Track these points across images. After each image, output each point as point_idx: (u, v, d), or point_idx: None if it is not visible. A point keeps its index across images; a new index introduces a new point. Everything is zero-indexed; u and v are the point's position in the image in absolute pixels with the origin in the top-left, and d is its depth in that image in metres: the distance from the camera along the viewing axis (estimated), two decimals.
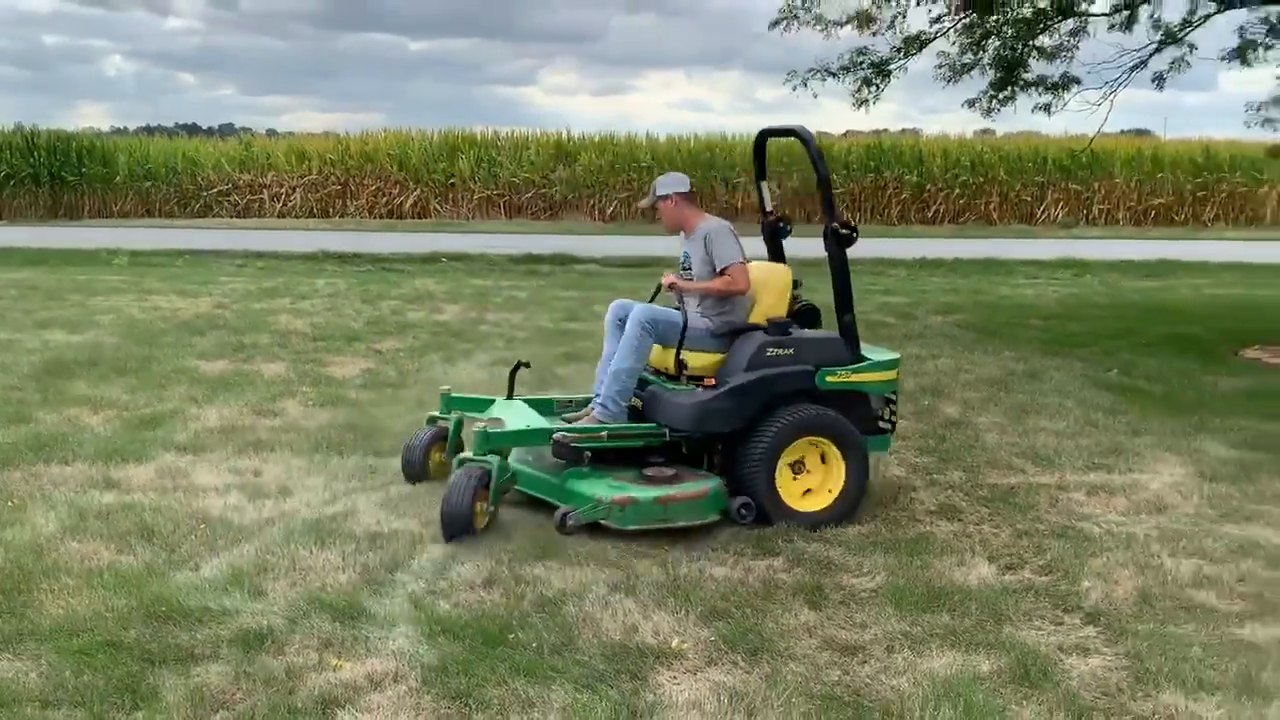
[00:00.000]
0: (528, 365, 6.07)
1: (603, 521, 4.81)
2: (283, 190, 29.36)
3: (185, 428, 6.58)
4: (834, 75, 11.07)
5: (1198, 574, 4.50)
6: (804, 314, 5.65)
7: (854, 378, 5.28)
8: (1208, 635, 3.95)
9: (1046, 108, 11.65)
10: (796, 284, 5.65)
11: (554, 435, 5.10)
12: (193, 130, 38.09)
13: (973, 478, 5.86)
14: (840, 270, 5.41)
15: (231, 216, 28.74)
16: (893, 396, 5.55)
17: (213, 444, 6.23)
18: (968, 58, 11.14)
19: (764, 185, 6.19)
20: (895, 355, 5.55)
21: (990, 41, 11.14)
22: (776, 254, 6.01)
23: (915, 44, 11.08)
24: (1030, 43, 11.20)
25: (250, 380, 7.98)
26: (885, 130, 33.35)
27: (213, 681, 3.48)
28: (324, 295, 13.16)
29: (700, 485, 5.01)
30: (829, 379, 5.23)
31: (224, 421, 6.75)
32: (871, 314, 12.14)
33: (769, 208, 6.09)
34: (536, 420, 5.36)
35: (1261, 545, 4.86)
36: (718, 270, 5.47)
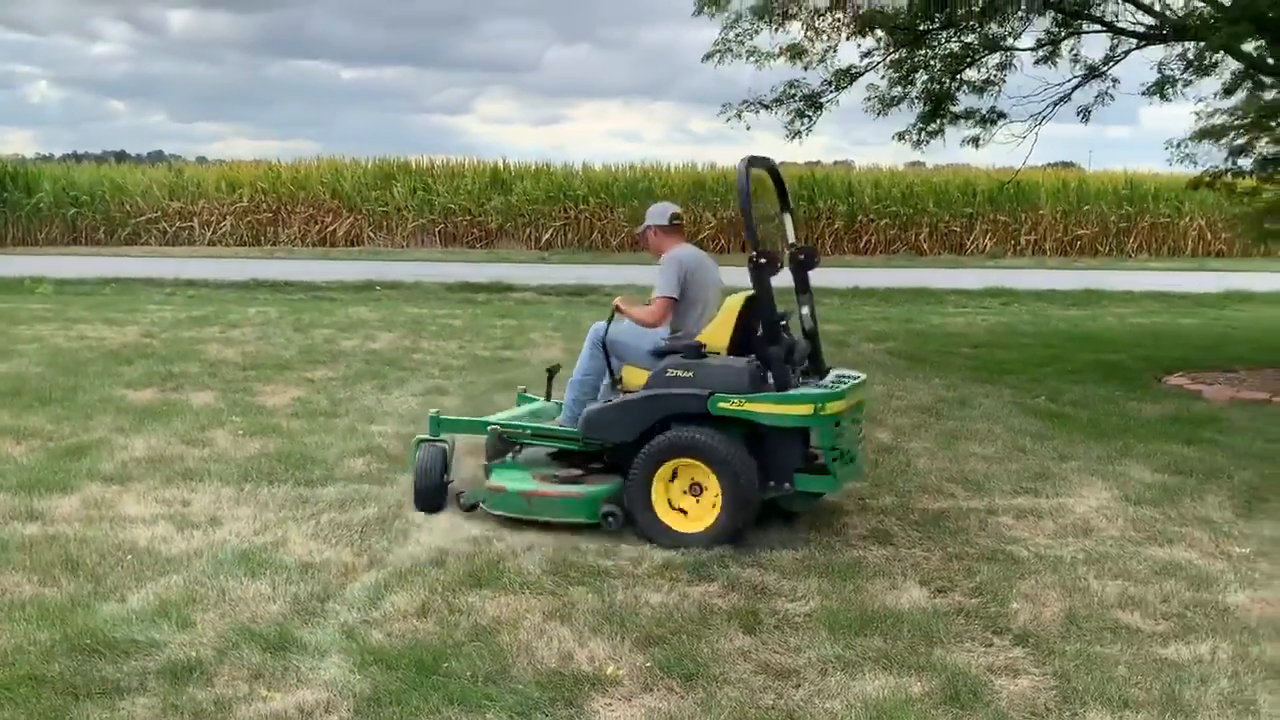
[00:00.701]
0: (559, 369, 6.61)
1: (482, 505, 5.44)
2: (213, 218, 29.00)
3: (112, 457, 6.46)
4: (767, 107, 11.21)
5: (1123, 595, 4.60)
6: (786, 346, 5.44)
7: (747, 406, 5.13)
8: (1132, 655, 4.03)
9: (975, 140, 11.90)
10: (784, 316, 5.54)
11: (489, 427, 5.80)
12: (121, 157, 37.43)
13: (904, 502, 5.94)
14: (764, 300, 5.38)
15: (160, 244, 28.32)
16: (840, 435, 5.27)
17: (140, 474, 6.12)
18: (897, 91, 11.35)
19: (787, 217, 6.12)
20: (816, 391, 5.27)
21: (919, 75, 11.37)
22: (802, 285, 5.89)
23: (846, 77, 11.27)
24: (958, 76, 11.45)
25: (179, 409, 7.85)
26: (818, 162, 33.79)
27: (139, 715, 3.42)
28: (255, 324, 13.01)
29: (578, 489, 5.40)
30: (720, 405, 5.16)
31: (151, 451, 6.64)
32: None
33: (791, 239, 6.06)
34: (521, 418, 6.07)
35: (1183, 567, 4.98)
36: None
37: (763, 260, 5.32)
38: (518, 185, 29.22)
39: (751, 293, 5.51)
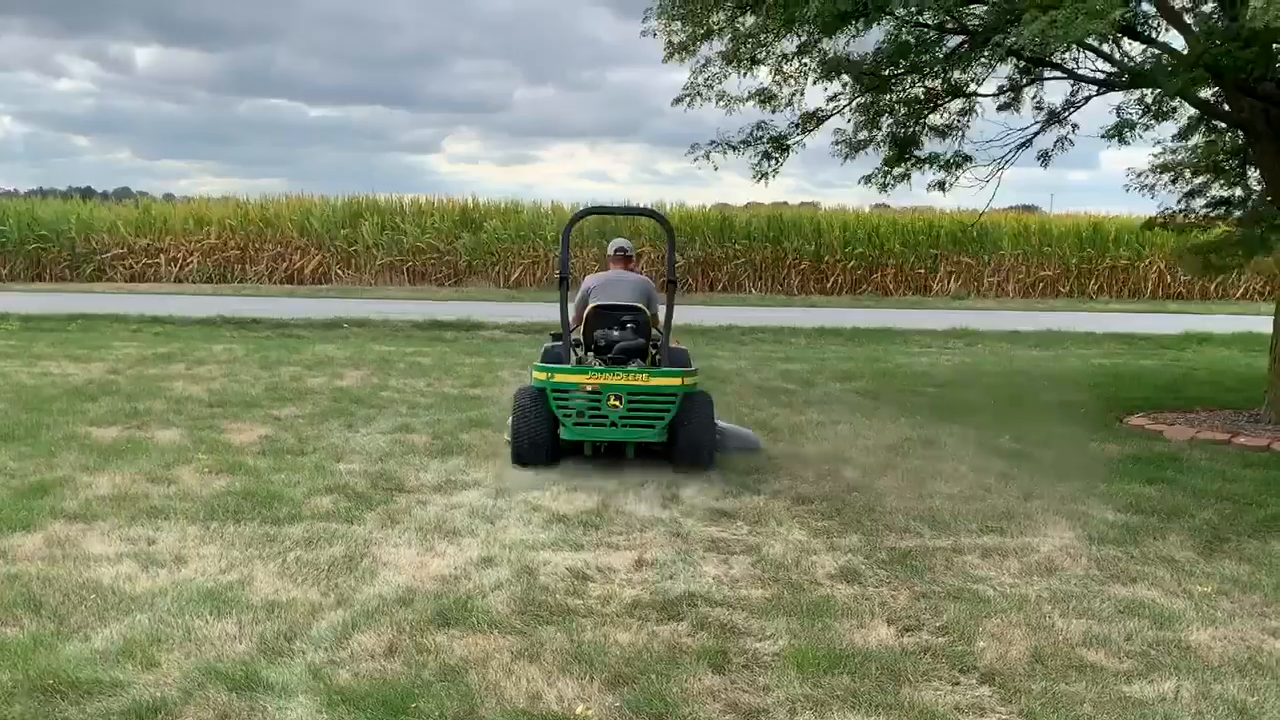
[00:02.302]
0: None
1: None
2: (180, 255, 28.85)
3: (76, 495, 6.39)
4: (734, 149, 11.28)
5: (1087, 633, 4.64)
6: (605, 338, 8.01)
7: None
8: (1097, 693, 4.06)
9: (941, 185, 12.02)
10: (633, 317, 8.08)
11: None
12: (87, 194, 37.14)
13: (872, 541, 5.96)
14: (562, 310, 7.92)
15: (126, 281, 28.12)
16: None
17: (104, 512, 6.06)
18: (863, 135, 11.46)
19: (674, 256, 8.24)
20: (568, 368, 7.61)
21: (884, 119, 11.50)
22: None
23: (812, 120, 11.37)
24: (922, 121, 11.58)
25: (144, 447, 7.78)
26: (785, 203, 34.12)
27: None
28: (221, 361, 12.93)
29: None
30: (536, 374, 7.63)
31: (116, 489, 6.57)
32: (773, 381, 12.33)
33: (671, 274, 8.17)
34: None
35: (1146, 605, 5.02)
36: None
37: (561, 278, 7.87)
38: (487, 224, 29.28)
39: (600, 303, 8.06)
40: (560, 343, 7.99)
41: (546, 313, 14.93)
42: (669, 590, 5.01)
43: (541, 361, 7.84)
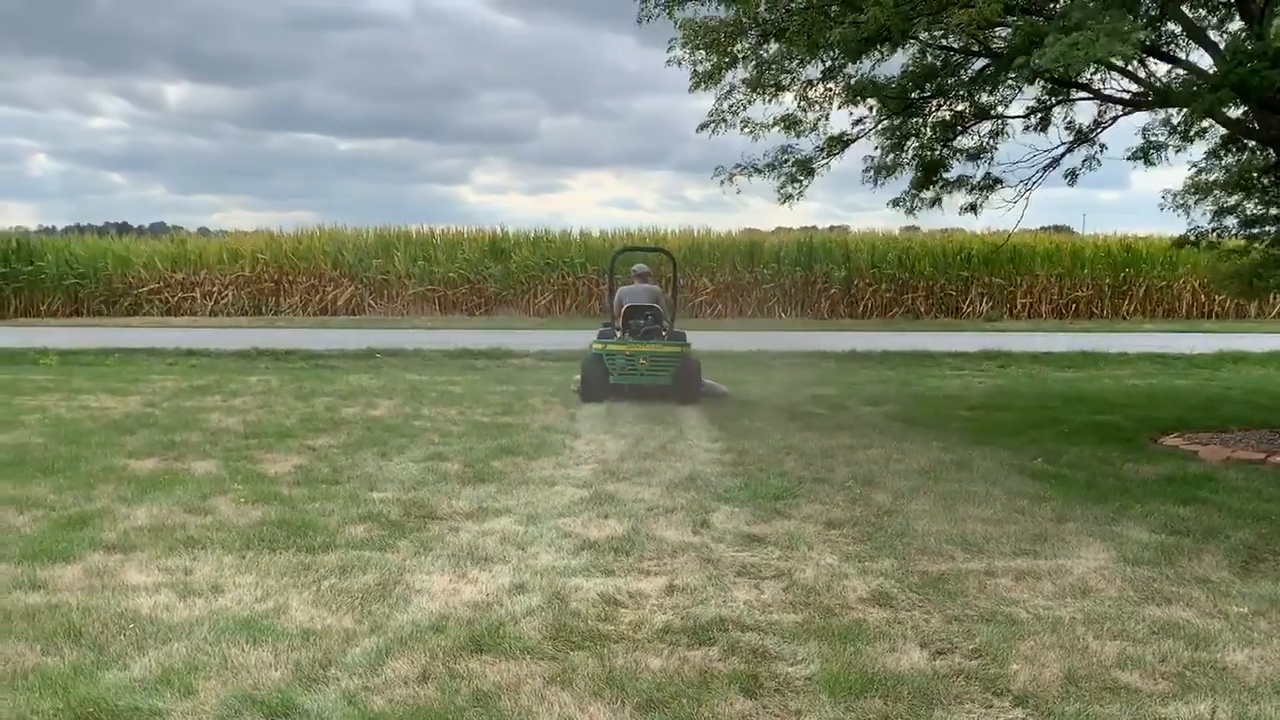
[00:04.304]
0: None
1: None
2: (215, 288, 29.22)
3: (114, 526, 6.48)
4: (759, 172, 11.33)
5: (1122, 655, 4.61)
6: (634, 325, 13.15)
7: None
8: (1132, 715, 4.03)
9: (973, 207, 12.02)
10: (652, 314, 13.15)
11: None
12: (123, 229, 37.77)
13: (904, 565, 5.94)
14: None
15: (162, 315, 28.48)
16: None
17: (142, 543, 6.14)
18: (890, 159, 11.48)
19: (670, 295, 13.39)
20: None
21: (910, 143, 11.52)
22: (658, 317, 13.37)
23: (838, 144, 11.41)
24: (950, 144, 11.60)
25: (180, 478, 7.88)
26: (814, 227, 34.13)
27: None
28: (256, 392, 13.07)
29: None
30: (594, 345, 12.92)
31: (153, 520, 6.66)
32: (804, 405, 12.32)
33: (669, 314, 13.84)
34: None
35: (1181, 626, 4.98)
36: None
37: (610, 290, 14.04)
38: (516, 253, 29.49)
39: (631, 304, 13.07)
40: (609, 328, 13.34)
41: (577, 340, 15.17)
42: (700, 615, 5.02)
43: (599, 339, 12.97)
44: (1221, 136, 11.27)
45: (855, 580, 5.66)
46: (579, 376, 12.93)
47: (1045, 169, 11.53)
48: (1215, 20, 10.63)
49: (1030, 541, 6.41)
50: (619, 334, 13.05)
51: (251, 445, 9.33)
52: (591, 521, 6.74)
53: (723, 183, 11.57)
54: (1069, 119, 11.62)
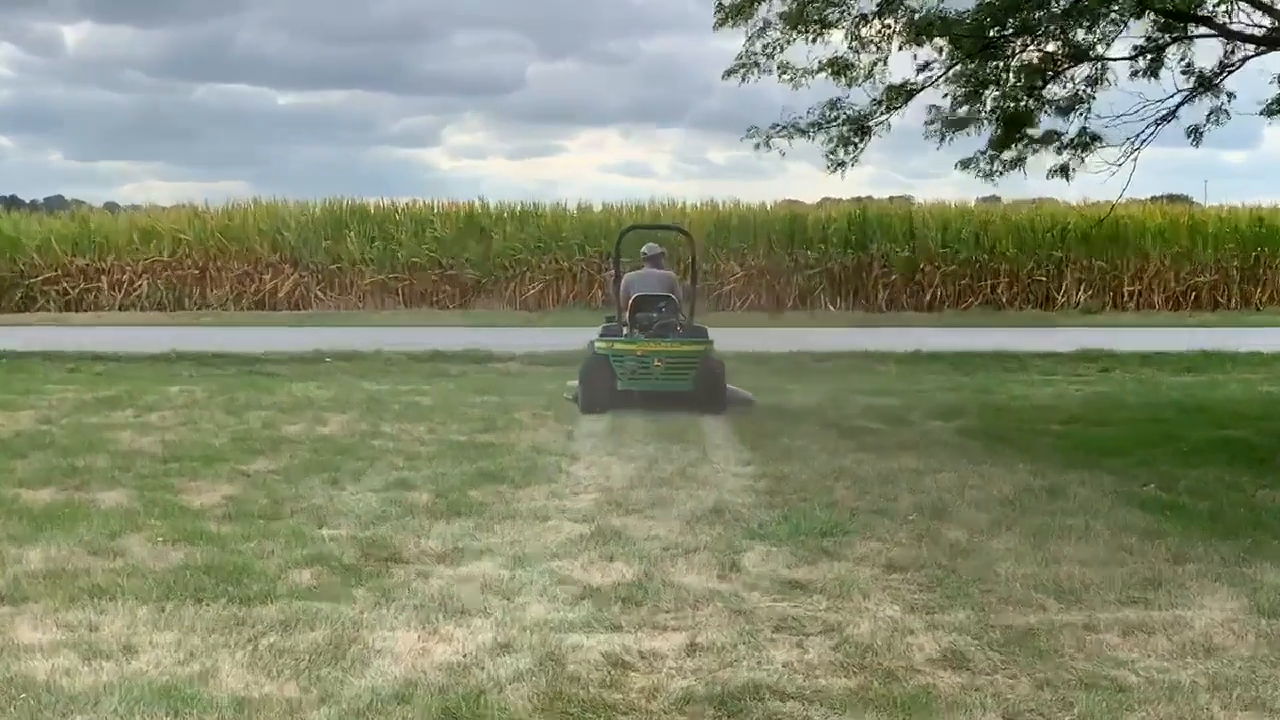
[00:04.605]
0: None
1: None
2: (125, 277, 29.27)
3: (2, 572, 6.49)
4: (803, 133, 11.32)
5: None
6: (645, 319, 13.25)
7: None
8: None
9: (1064, 170, 11.98)
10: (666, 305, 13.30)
11: None
12: (11, 204, 37.76)
13: (983, 617, 5.93)
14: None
15: (60, 310, 28.56)
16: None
17: (37, 592, 6.15)
18: (963, 111, 11.46)
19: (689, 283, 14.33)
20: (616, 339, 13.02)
21: (989, 91, 11.49)
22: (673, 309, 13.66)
23: (899, 95, 11.40)
24: (1037, 92, 11.57)
25: (84, 512, 7.90)
26: (869, 197, 33.97)
27: None
28: (177, 405, 13.11)
29: None
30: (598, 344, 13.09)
31: (51, 564, 6.67)
32: (856, 419, 12.32)
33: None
34: None
35: None
36: None
37: (617, 276, 14.12)
38: (498, 232, 29.49)
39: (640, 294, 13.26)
40: (613, 323, 13.47)
41: (574, 339, 15.12)
42: (729, 681, 5.02)
43: (602, 336, 13.07)
44: None
45: (922, 636, 5.65)
46: (577, 383, 12.93)
47: (1157, 124, 11.50)
48: None
49: (1141, 587, 6.39)
50: (626, 330, 13.08)
51: (171, 471, 9.35)
52: (594, 564, 6.74)
53: (757, 146, 11.57)
54: (1186, 60, 11.59)
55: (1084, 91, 11.71)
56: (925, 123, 11.75)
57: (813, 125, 11.32)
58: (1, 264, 29.00)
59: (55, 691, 4.85)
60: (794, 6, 10.56)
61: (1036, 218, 30.45)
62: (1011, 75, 11.46)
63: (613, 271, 14.60)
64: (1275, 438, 11.15)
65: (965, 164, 11.94)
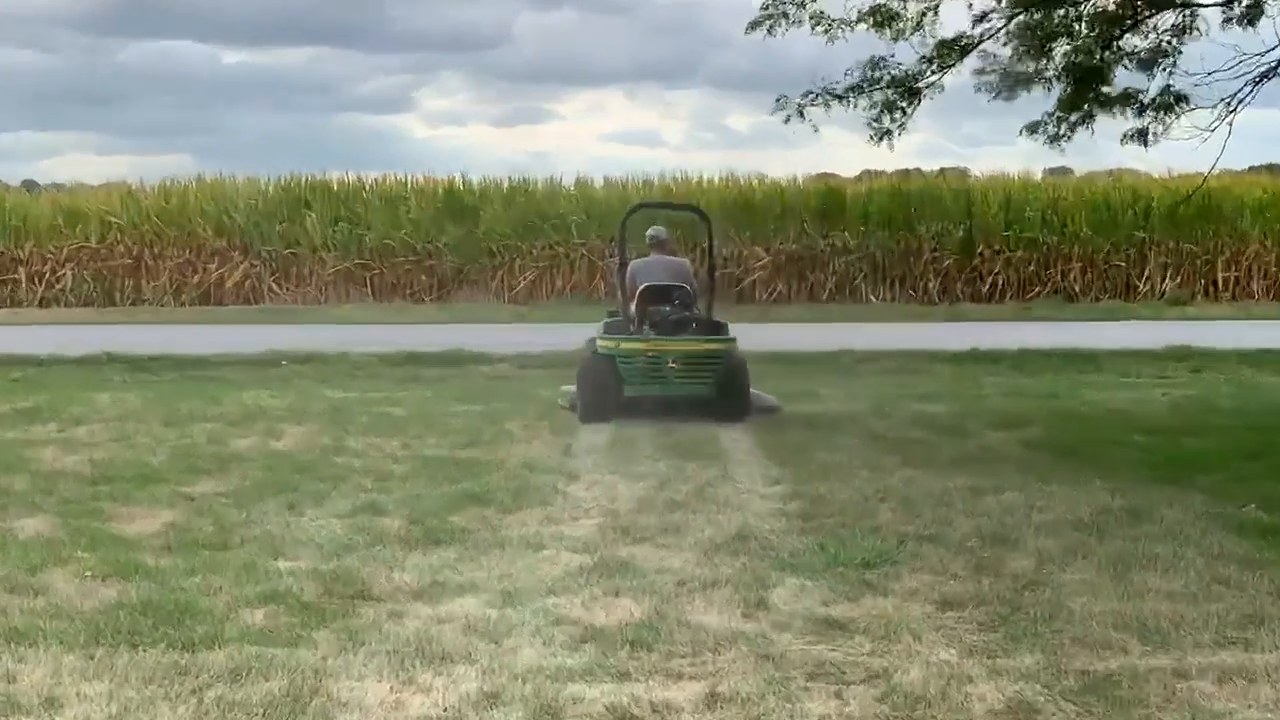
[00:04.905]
0: None
1: None
2: (46, 267, 29.30)
3: None
4: (840, 99, 11.31)
5: None
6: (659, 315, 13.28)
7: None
8: None
9: (1142, 134, 11.94)
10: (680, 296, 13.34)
11: None
12: None
13: (1054, 661, 5.92)
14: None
15: None
16: None
17: None
18: (1026, 66, 11.43)
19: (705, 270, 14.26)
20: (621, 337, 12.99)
21: (1058, 45, 11.46)
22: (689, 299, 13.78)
23: (953, 50, 11.38)
24: (1114, 44, 11.54)
25: None
26: (917, 170, 33.91)
27: None
28: (108, 418, 13.12)
29: None
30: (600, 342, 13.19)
31: None
32: (903, 429, 12.31)
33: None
34: None
35: None
36: None
37: (621, 264, 13.79)
38: (484, 211, 29.49)
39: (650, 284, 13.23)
40: (617, 318, 13.38)
41: (572, 336, 15.09)
42: None
43: (605, 333, 13.08)
44: None
45: (983, 684, 5.64)
46: (574, 388, 12.98)
47: (1256, 82, 11.46)
48: None
49: (1239, 626, 6.38)
50: (634, 326, 13.04)
51: (102, 494, 9.36)
52: (596, 601, 6.73)
53: (788, 119, 11.56)
54: None
55: (1169, 43, 11.70)
56: (975, 72, 11.70)
57: (852, 89, 11.31)
58: None
59: None
60: None
61: (1114, 192, 30.40)
62: (1083, 26, 11.43)
63: (616, 258, 14.54)
64: None
65: (1033, 128, 11.92)
